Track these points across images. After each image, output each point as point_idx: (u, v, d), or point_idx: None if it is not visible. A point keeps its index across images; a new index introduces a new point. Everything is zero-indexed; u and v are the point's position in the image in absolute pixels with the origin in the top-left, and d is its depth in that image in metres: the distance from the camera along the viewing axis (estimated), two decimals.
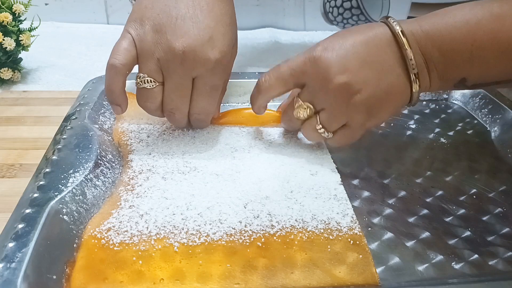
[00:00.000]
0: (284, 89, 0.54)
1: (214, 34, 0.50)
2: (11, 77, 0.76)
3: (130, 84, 0.53)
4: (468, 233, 0.47)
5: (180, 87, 0.51)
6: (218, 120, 0.62)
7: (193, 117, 0.55)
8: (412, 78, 0.49)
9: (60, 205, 0.44)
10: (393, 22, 0.49)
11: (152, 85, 0.51)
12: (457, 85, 0.51)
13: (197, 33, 0.49)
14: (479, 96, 0.69)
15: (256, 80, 0.69)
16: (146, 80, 0.50)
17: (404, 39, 0.48)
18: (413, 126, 0.66)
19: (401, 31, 0.48)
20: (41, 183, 0.46)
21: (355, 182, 0.54)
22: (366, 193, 0.52)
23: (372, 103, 0.49)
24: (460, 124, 0.67)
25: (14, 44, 0.74)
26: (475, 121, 0.67)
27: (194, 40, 0.49)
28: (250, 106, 0.58)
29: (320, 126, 0.52)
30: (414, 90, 0.49)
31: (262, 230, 0.45)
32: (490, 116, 0.67)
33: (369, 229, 0.47)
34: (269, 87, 0.54)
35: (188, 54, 0.49)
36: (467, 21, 0.48)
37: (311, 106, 0.52)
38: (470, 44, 0.47)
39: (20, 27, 0.77)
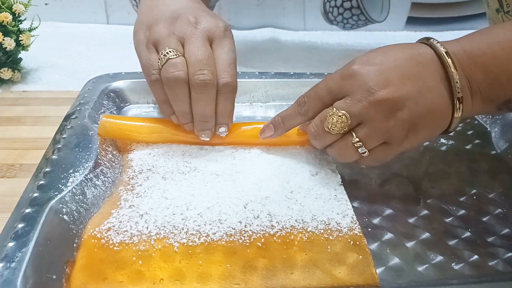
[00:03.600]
0: (322, 107, 0.50)
1: (212, 14, 0.56)
2: (11, 77, 0.76)
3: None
4: (468, 234, 0.47)
5: (201, 47, 0.52)
6: (233, 137, 0.57)
7: (221, 83, 0.52)
8: (455, 101, 0.46)
9: (60, 205, 0.44)
10: (436, 43, 0.47)
11: (175, 54, 0.51)
12: (501, 107, 0.48)
13: (200, 11, 0.55)
14: None
15: (256, 79, 0.70)
16: (168, 52, 0.51)
17: (449, 60, 0.46)
18: None
19: (446, 52, 0.46)
20: (41, 182, 0.46)
21: (355, 182, 0.54)
22: (366, 194, 0.52)
23: (414, 121, 0.46)
24: (460, 125, 0.66)
25: (14, 44, 0.74)
26: (476, 122, 0.67)
27: (200, 13, 0.54)
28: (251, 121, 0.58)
29: (358, 139, 0.47)
30: (455, 116, 0.47)
31: (262, 230, 0.45)
32: (490, 116, 0.67)
33: (369, 229, 0.47)
34: (307, 108, 0.51)
35: (200, 19, 0.53)
36: (510, 39, 0.46)
37: (347, 115, 0.46)
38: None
39: (20, 27, 0.77)
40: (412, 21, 1.10)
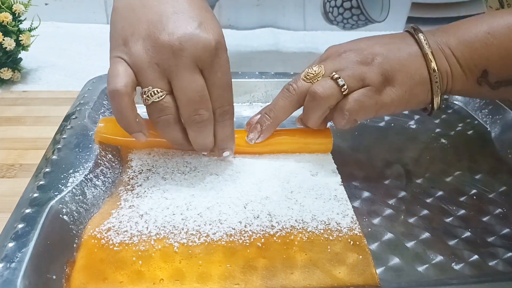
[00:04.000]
0: (308, 85, 0.53)
1: (202, 19, 0.46)
2: (11, 77, 0.76)
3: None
4: (468, 233, 0.47)
5: (192, 83, 0.45)
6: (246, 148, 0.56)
7: (217, 112, 0.48)
8: (426, 55, 0.50)
9: (60, 205, 0.44)
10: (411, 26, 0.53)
11: (161, 96, 0.45)
12: (480, 81, 0.51)
13: (186, 22, 0.45)
14: None
15: (256, 79, 0.70)
16: (152, 93, 0.45)
17: (419, 33, 0.51)
18: (414, 126, 0.66)
19: (416, 28, 0.52)
20: (41, 183, 0.46)
21: (356, 182, 0.54)
22: (366, 194, 0.52)
23: (388, 69, 0.50)
24: (460, 125, 0.66)
25: (14, 44, 0.74)
26: (476, 122, 0.67)
27: (186, 28, 0.45)
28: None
29: (335, 73, 0.50)
30: (433, 75, 0.50)
31: (262, 230, 0.45)
32: (490, 116, 0.67)
33: (369, 229, 0.47)
34: (295, 86, 0.52)
35: (185, 43, 0.44)
36: (482, 18, 0.51)
37: (322, 67, 0.52)
38: (486, 32, 0.49)
39: (20, 27, 0.77)
40: (412, 21, 1.10)
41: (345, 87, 0.49)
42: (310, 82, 0.51)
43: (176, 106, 0.46)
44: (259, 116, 0.54)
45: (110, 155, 0.53)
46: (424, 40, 0.50)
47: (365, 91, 0.50)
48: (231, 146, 0.52)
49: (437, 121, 0.67)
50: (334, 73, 0.50)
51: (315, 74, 0.51)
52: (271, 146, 0.55)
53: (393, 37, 0.53)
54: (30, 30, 0.79)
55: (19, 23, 0.77)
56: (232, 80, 0.67)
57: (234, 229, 0.45)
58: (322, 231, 0.45)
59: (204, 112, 0.46)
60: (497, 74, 0.50)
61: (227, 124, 0.50)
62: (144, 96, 0.45)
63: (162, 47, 0.44)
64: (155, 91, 0.45)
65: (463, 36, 0.50)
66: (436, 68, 0.50)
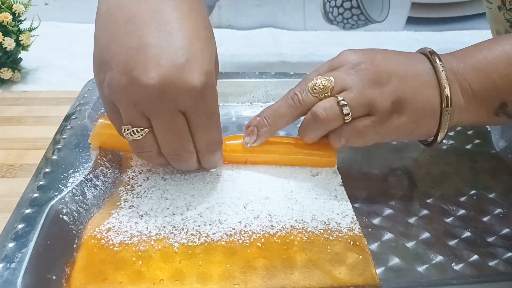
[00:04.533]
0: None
1: (190, 54, 0.40)
2: (11, 77, 0.76)
3: None
4: (468, 234, 0.47)
5: (172, 126, 0.42)
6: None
7: (202, 152, 0.46)
8: (441, 91, 0.47)
9: (60, 205, 0.44)
10: (425, 48, 0.49)
11: (141, 135, 0.43)
12: (498, 113, 0.48)
13: (170, 59, 0.39)
14: None
15: (256, 79, 0.70)
16: (132, 132, 0.42)
17: (435, 57, 0.47)
18: None
19: (432, 51, 0.48)
20: (41, 183, 0.46)
21: (356, 183, 0.53)
22: (366, 194, 0.52)
23: (399, 99, 0.46)
24: (462, 126, 0.66)
25: (14, 44, 0.74)
26: None
27: (169, 68, 0.39)
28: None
29: (342, 98, 0.46)
30: (445, 111, 0.47)
31: (262, 230, 0.45)
32: None
33: (369, 229, 0.47)
34: (301, 98, 0.49)
35: (166, 87, 0.39)
36: (500, 44, 0.47)
37: (332, 79, 0.47)
38: (506, 63, 0.46)
39: (20, 27, 0.77)
40: (412, 21, 1.10)
41: (349, 116, 0.46)
42: (317, 96, 0.48)
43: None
44: (258, 118, 0.51)
45: (110, 155, 0.53)
46: (442, 69, 0.46)
47: (369, 122, 0.47)
48: (218, 165, 0.50)
49: None
50: (341, 99, 0.46)
51: (323, 88, 0.47)
52: (269, 155, 0.53)
53: (410, 56, 0.49)
54: (30, 30, 0.79)
55: (19, 23, 0.77)
56: (232, 80, 0.68)
57: (234, 229, 0.45)
58: (322, 231, 0.45)
59: (184, 153, 0.45)
60: None
61: (213, 156, 0.47)
62: (124, 133, 0.43)
63: (140, 88, 0.39)
64: (135, 130, 0.42)
65: (480, 67, 0.46)
66: (450, 103, 0.46)
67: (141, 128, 0.42)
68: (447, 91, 0.46)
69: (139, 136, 0.43)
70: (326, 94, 0.47)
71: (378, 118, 0.47)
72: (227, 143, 0.52)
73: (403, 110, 0.47)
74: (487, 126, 0.66)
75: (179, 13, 0.41)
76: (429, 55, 0.48)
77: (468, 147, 0.62)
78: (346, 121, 0.47)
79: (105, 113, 0.46)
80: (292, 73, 0.72)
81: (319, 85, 0.47)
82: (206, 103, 0.41)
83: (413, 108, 0.47)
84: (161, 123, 0.42)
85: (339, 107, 0.46)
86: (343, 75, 0.47)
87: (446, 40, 1.03)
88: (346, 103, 0.46)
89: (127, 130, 0.43)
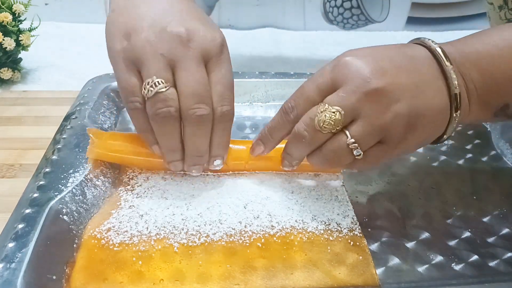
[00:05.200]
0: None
1: (208, 22, 0.47)
2: (11, 77, 0.76)
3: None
4: (468, 234, 0.47)
5: (196, 73, 0.44)
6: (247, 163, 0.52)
7: (218, 112, 0.45)
8: (452, 99, 0.43)
9: (60, 205, 0.44)
10: (427, 40, 0.45)
11: (165, 86, 0.43)
12: (497, 113, 0.46)
13: (192, 18, 0.46)
14: None
15: (256, 79, 0.70)
16: (156, 83, 0.43)
17: (442, 55, 0.43)
18: None
19: (439, 47, 0.44)
20: (41, 183, 0.46)
21: (356, 183, 0.53)
22: (366, 194, 0.52)
23: (413, 117, 0.42)
24: (460, 125, 0.66)
25: (14, 44, 0.74)
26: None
27: (194, 24, 0.45)
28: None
29: (353, 140, 0.42)
30: (453, 115, 0.43)
31: (262, 230, 0.45)
32: None
33: (369, 229, 0.47)
34: (296, 113, 0.45)
35: (194, 34, 0.44)
36: (506, 39, 0.44)
37: (341, 111, 0.42)
38: (511, 62, 0.43)
39: (20, 27, 0.77)
40: (412, 21, 1.10)
41: (360, 156, 0.43)
42: (326, 133, 0.43)
43: (178, 100, 0.44)
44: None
45: None
46: (454, 74, 0.43)
47: (382, 152, 0.44)
48: (223, 154, 0.48)
49: None
50: (352, 141, 0.42)
51: (333, 124, 0.42)
52: (272, 164, 0.51)
53: (417, 59, 0.44)
54: (30, 30, 0.79)
55: (19, 23, 0.77)
56: None
57: (234, 229, 0.45)
58: (322, 231, 0.45)
59: (205, 107, 0.44)
60: None
61: (225, 128, 0.47)
62: (148, 87, 0.43)
63: (169, 37, 0.43)
64: (159, 81, 0.43)
65: (486, 69, 0.43)
66: (459, 108, 0.43)
67: (166, 81, 0.43)
68: (458, 96, 0.43)
69: (163, 88, 0.43)
70: (337, 128, 0.43)
71: (391, 143, 0.43)
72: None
73: (417, 126, 0.43)
74: (487, 126, 0.66)
75: (192, 3, 0.49)
76: (435, 53, 0.44)
77: (468, 147, 0.62)
78: (357, 158, 0.43)
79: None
80: (292, 73, 0.72)
81: (328, 121, 0.42)
82: (225, 57, 0.46)
83: (425, 124, 0.43)
84: (187, 70, 0.43)
85: (349, 150, 0.43)
86: (352, 103, 0.42)
87: (446, 40, 1.03)
88: (357, 145, 0.42)
89: (151, 82, 0.43)
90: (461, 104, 0.43)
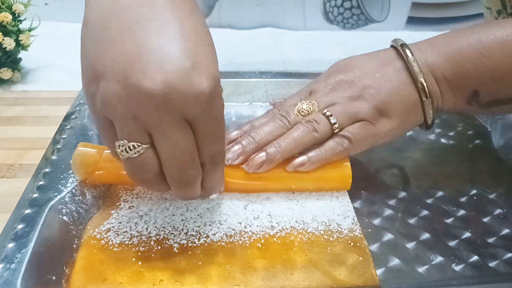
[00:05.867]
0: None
1: (196, 58, 0.35)
2: (10, 77, 0.76)
3: None
4: (468, 234, 0.47)
5: (179, 140, 0.36)
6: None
7: (207, 163, 0.39)
8: (418, 85, 0.49)
9: (60, 206, 0.44)
10: (398, 41, 0.52)
11: (139, 151, 0.36)
12: (470, 101, 0.50)
13: (174, 63, 0.34)
14: None
15: (257, 79, 0.70)
16: (128, 148, 0.36)
17: (406, 49, 0.50)
18: None
19: (402, 43, 0.51)
20: (40, 183, 0.46)
21: (356, 183, 0.53)
22: (366, 194, 0.52)
23: (380, 103, 0.49)
24: (460, 125, 0.66)
25: (13, 44, 0.74)
26: (476, 122, 0.67)
27: (173, 72, 0.34)
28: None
29: (327, 110, 0.49)
30: (424, 99, 0.49)
31: (262, 231, 0.45)
32: (490, 116, 0.66)
33: (369, 230, 0.47)
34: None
35: (172, 93, 0.34)
36: (474, 31, 0.49)
37: (315, 103, 0.51)
38: (478, 51, 0.47)
39: (20, 27, 0.77)
40: (412, 21, 1.10)
41: (337, 125, 0.49)
42: (303, 118, 0.50)
43: (159, 161, 0.37)
44: (243, 142, 0.49)
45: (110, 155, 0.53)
46: (414, 63, 0.49)
47: (360, 124, 0.49)
48: (220, 188, 0.44)
49: (437, 121, 0.67)
50: (326, 110, 0.49)
51: (308, 112, 0.50)
52: (277, 183, 0.49)
53: (382, 62, 0.51)
54: (30, 30, 0.78)
55: (19, 23, 0.77)
56: (232, 79, 0.68)
57: (234, 230, 0.45)
58: (322, 232, 0.45)
59: (193, 172, 0.38)
60: (488, 94, 0.49)
61: (217, 172, 0.41)
62: (118, 150, 0.37)
63: (142, 97, 0.34)
64: (132, 146, 0.36)
65: (454, 56, 0.48)
66: (428, 95, 0.49)
67: (138, 144, 0.36)
68: (422, 84, 0.48)
69: (135, 153, 0.36)
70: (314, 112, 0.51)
71: (367, 122, 0.49)
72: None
73: (388, 112, 0.49)
74: (487, 126, 0.66)
75: (179, 15, 0.36)
76: (400, 49, 0.50)
77: (468, 147, 0.62)
78: (334, 130, 0.49)
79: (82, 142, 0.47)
80: (292, 72, 0.72)
81: (306, 108, 0.50)
82: (214, 110, 0.37)
83: (396, 108, 0.49)
84: (166, 136, 0.36)
85: (326, 118, 0.49)
86: (323, 97, 0.51)
87: None
88: (331, 113, 0.49)
89: (122, 146, 0.36)
90: (428, 90, 0.49)
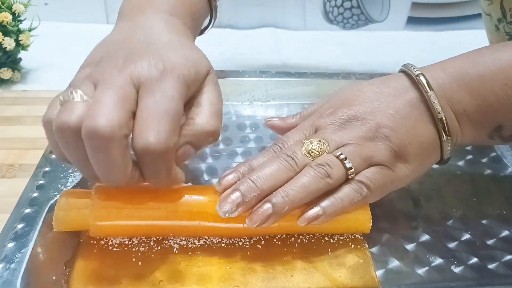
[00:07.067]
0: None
1: (186, 51, 0.42)
2: (11, 77, 0.76)
3: None
4: (468, 236, 0.47)
5: (117, 90, 0.37)
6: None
7: (135, 142, 0.36)
8: (437, 124, 0.44)
9: None
10: (411, 67, 0.46)
11: (78, 97, 0.37)
12: (492, 135, 0.45)
13: (170, 51, 0.41)
14: None
15: (257, 78, 0.70)
16: (70, 92, 0.37)
17: (424, 81, 0.44)
18: None
19: (420, 73, 0.44)
20: (40, 182, 0.47)
21: None
22: None
23: (397, 144, 0.43)
24: (461, 147, 0.66)
25: (13, 44, 0.74)
26: None
27: (167, 52, 0.41)
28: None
29: (340, 152, 0.42)
30: (443, 139, 0.44)
31: (262, 232, 0.45)
32: None
33: (370, 232, 0.47)
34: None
35: (129, 58, 0.40)
36: (497, 59, 0.44)
37: (325, 141, 0.43)
38: (503, 83, 0.43)
39: (19, 27, 0.77)
40: (412, 21, 1.10)
41: (352, 170, 0.42)
42: (313, 159, 0.43)
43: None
44: (242, 188, 0.41)
45: None
46: (433, 97, 0.43)
47: (377, 169, 0.43)
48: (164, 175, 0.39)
49: None
50: (339, 152, 0.42)
51: (319, 153, 0.42)
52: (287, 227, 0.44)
53: (394, 93, 0.45)
54: (30, 30, 0.78)
55: (19, 23, 0.77)
56: (232, 79, 0.68)
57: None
58: (322, 233, 0.45)
59: (119, 133, 0.35)
60: None
61: (152, 157, 0.37)
62: (61, 98, 0.38)
63: (107, 55, 0.41)
64: (74, 91, 0.37)
65: (476, 89, 0.43)
66: (448, 133, 0.44)
67: (81, 93, 0.37)
68: (443, 121, 0.44)
69: (75, 98, 0.37)
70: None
71: (383, 166, 0.43)
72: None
73: (405, 156, 0.43)
74: None
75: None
76: (415, 78, 0.45)
77: (468, 148, 0.61)
78: (349, 176, 0.42)
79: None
80: (292, 72, 0.72)
81: (316, 149, 0.43)
82: (167, 84, 0.38)
83: (414, 151, 0.44)
84: (107, 84, 0.37)
85: (339, 161, 0.42)
86: (332, 135, 0.44)
87: (446, 40, 1.03)
88: (345, 156, 0.42)
89: (65, 92, 0.38)
90: (448, 127, 0.44)
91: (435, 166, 0.47)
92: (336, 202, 0.41)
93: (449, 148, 0.45)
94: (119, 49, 0.41)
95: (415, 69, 0.45)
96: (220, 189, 0.42)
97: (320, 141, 0.43)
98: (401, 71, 0.47)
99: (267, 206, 0.40)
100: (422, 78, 0.44)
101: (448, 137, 0.44)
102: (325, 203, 0.41)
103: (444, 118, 0.43)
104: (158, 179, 0.39)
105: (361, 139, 0.43)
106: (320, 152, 0.42)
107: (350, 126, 0.44)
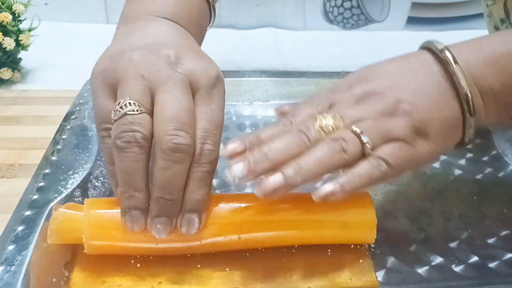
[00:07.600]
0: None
1: (202, 57, 0.43)
2: (10, 77, 0.76)
3: None
4: (468, 235, 0.47)
5: (179, 98, 0.38)
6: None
7: (198, 149, 0.38)
8: (462, 100, 0.41)
9: None
10: (434, 42, 0.43)
11: (137, 110, 0.37)
12: None
13: (192, 51, 0.43)
14: None
15: (257, 78, 0.70)
16: (127, 104, 0.37)
17: (449, 55, 0.41)
18: None
19: (444, 47, 0.42)
20: (40, 184, 0.46)
21: None
22: None
23: (418, 121, 0.40)
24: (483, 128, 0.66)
25: (13, 44, 0.74)
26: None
27: (191, 53, 0.42)
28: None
29: (359, 129, 0.39)
30: (467, 116, 0.41)
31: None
32: None
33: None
34: (314, 138, 0.39)
35: (184, 59, 0.40)
36: None
37: (339, 117, 0.40)
38: None
39: (19, 27, 0.77)
40: (412, 21, 1.10)
41: (369, 145, 0.38)
42: (326, 136, 0.39)
43: (151, 134, 0.37)
44: (251, 158, 0.38)
45: None
46: (459, 71, 0.40)
47: (397, 144, 0.39)
48: (200, 209, 0.39)
49: None
50: (355, 127, 0.39)
51: (333, 129, 0.39)
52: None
53: (415, 69, 0.43)
54: (30, 30, 0.78)
55: (19, 23, 0.77)
56: (232, 79, 0.68)
57: None
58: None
59: (185, 135, 0.37)
60: None
61: (205, 173, 0.38)
62: (117, 107, 0.37)
63: (156, 57, 0.40)
64: (131, 103, 0.37)
65: (504, 67, 0.41)
66: (473, 112, 0.41)
67: (139, 104, 0.37)
68: (467, 98, 0.40)
69: (133, 110, 0.37)
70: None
71: (403, 142, 0.40)
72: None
73: (427, 133, 0.40)
74: (489, 126, 0.65)
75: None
76: (439, 53, 0.42)
77: (468, 147, 0.61)
78: (366, 151, 0.39)
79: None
80: (292, 72, 0.72)
81: (331, 124, 0.39)
82: (219, 91, 0.41)
83: (436, 128, 0.40)
84: (168, 93, 0.38)
85: (355, 135, 0.39)
86: (348, 110, 0.41)
87: (446, 40, 1.03)
88: (361, 130, 0.39)
89: (122, 103, 0.37)
90: (473, 105, 0.41)
91: (435, 164, 0.47)
92: (354, 178, 0.38)
93: (472, 127, 0.42)
94: (153, 41, 0.43)
95: (439, 44, 0.43)
96: (225, 154, 0.40)
97: (334, 115, 0.40)
98: (423, 47, 0.45)
99: (279, 177, 0.37)
100: (447, 53, 0.41)
101: (472, 115, 0.41)
102: (342, 179, 0.38)
103: (469, 93, 0.40)
104: (204, 193, 0.39)
105: (379, 115, 0.40)
106: (335, 128, 0.39)
107: (367, 102, 0.41)
